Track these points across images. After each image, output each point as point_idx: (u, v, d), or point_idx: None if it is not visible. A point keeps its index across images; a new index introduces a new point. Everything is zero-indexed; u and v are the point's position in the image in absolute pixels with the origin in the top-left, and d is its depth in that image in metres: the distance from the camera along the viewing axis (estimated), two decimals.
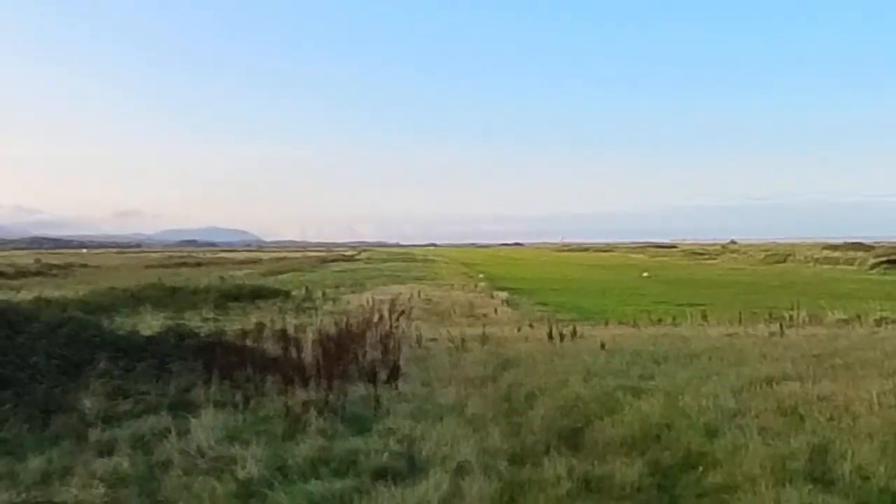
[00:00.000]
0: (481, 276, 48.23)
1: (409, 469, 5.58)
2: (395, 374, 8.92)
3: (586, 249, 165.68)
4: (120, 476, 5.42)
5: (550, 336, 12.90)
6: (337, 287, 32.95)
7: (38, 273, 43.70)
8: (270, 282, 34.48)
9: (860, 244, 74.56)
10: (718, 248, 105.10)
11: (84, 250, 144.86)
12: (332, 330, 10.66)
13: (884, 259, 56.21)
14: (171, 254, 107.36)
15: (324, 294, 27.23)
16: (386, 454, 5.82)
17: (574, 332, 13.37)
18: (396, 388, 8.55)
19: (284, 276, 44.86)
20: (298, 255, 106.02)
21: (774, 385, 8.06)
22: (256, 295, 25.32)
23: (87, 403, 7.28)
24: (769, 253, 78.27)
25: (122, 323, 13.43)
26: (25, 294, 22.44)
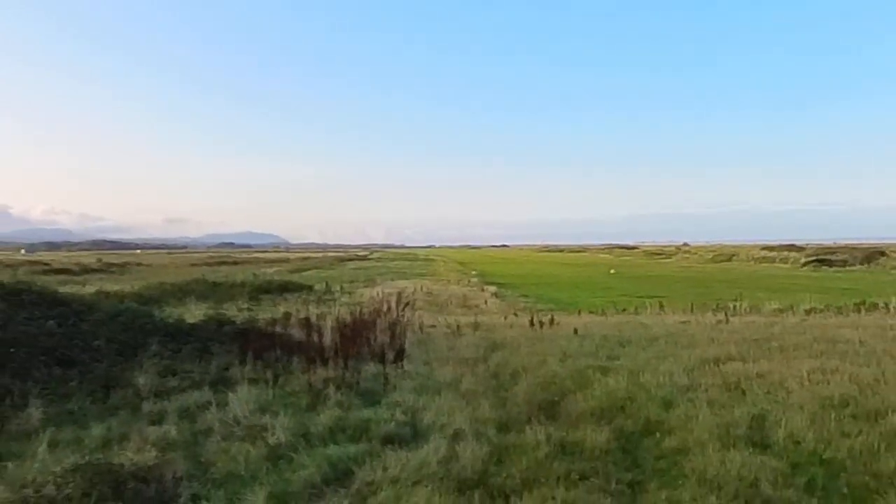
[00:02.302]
0: (474, 273, 48.15)
1: (412, 435, 5.57)
2: (400, 355, 8.91)
3: (562, 250, 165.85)
4: (169, 441, 5.41)
5: (532, 323, 12.91)
6: (352, 282, 32.91)
7: (99, 270, 43.58)
8: (296, 278, 34.36)
9: (793, 245, 74.70)
10: (673, 249, 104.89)
11: (138, 251, 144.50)
12: (348, 318, 10.63)
13: (813, 258, 56.44)
14: (212, 254, 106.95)
15: (341, 288, 27.19)
16: (393, 423, 5.82)
17: (552, 320, 13.37)
18: (402, 367, 8.54)
19: (308, 272, 44.76)
20: (319, 255, 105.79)
21: (720, 364, 8.07)
22: (284, 289, 25.27)
23: (141, 380, 7.27)
24: (716, 253, 78.26)
25: (170, 312, 13.35)
26: (89, 288, 22.38)
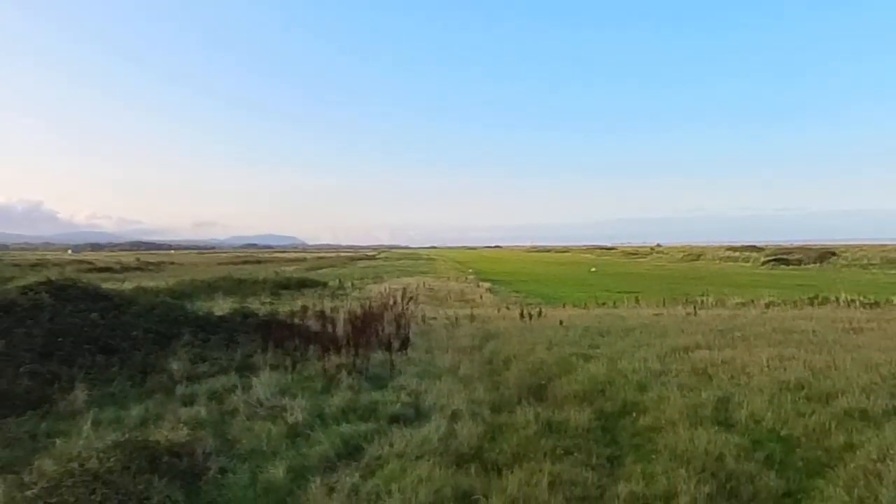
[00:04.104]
0: (470, 271, 48.03)
1: (415, 415, 5.58)
2: (405, 344, 8.91)
3: (549, 250, 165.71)
4: (199, 421, 5.42)
5: (522, 316, 12.90)
6: (362, 279, 32.82)
7: (137, 268, 43.39)
8: (312, 275, 34.23)
9: (754, 246, 74.63)
10: (648, 249, 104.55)
11: (172, 251, 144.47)
12: (359, 311, 10.64)
13: (771, 258, 56.39)
14: (237, 254, 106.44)
15: (352, 284, 27.13)
16: (398, 404, 5.83)
17: (539, 313, 13.36)
18: (406, 354, 8.54)
19: (323, 270, 44.58)
20: (333, 254, 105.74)
21: (689, 352, 8.07)
22: (302, 285, 25.21)
23: (175, 366, 7.27)
24: (686, 253, 78.12)
25: (200, 306, 13.34)
26: (128, 284, 22.28)
